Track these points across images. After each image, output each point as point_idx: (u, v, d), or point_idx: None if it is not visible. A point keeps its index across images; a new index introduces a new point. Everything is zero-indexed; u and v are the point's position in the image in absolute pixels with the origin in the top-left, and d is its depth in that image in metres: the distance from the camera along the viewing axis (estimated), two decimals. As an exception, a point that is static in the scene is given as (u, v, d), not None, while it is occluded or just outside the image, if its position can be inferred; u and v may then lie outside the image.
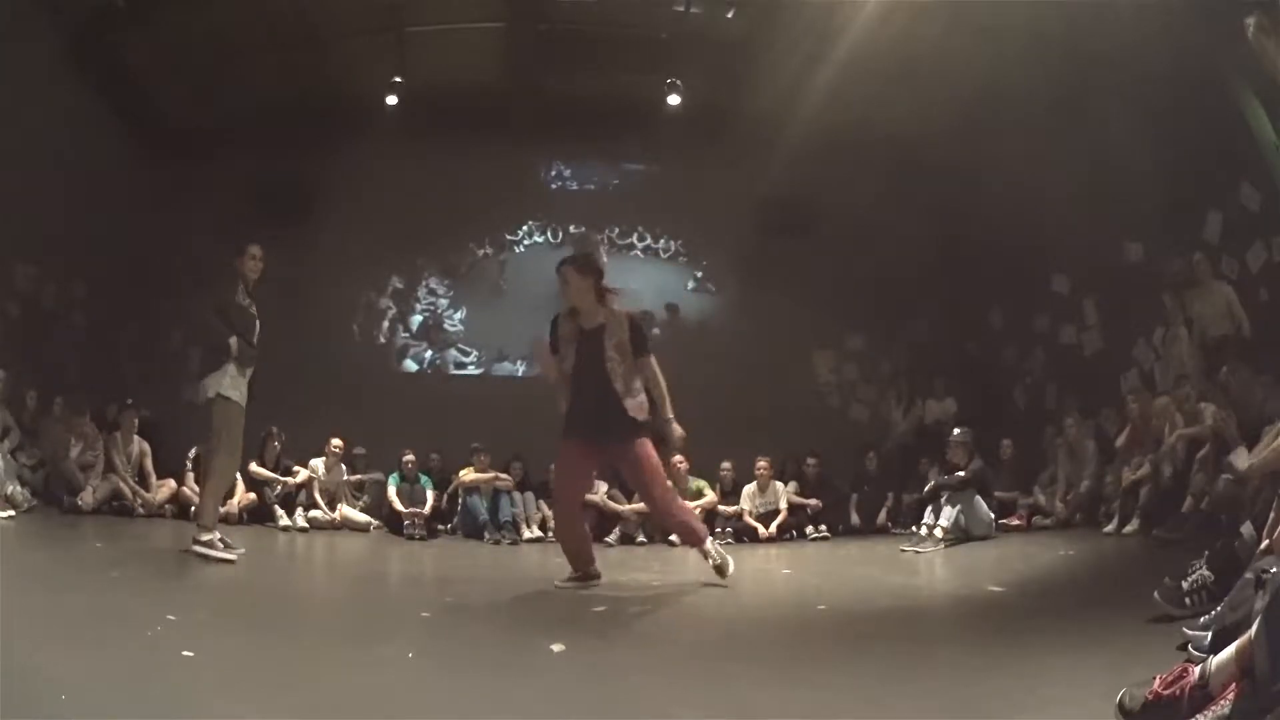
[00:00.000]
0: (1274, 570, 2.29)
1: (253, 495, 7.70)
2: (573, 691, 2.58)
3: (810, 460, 8.60)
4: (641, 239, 11.05)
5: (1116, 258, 8.14)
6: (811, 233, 10.31)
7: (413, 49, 9.51)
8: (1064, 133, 8.09)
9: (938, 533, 6.94)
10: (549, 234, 10.87)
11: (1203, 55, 6.45)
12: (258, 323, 5.38)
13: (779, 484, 8.31)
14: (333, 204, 9.98)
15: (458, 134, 9.60)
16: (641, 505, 7.86)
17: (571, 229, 10.75)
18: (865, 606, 4.40)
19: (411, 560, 6.70)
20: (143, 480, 7.82)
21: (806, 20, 7.99)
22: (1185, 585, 3.14)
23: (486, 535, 7.74)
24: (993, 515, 7.27)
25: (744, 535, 7.94)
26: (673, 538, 7.80)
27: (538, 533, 7.94)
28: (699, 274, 11.10)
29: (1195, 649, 2.50)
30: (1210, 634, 2.46)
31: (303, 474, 8.06)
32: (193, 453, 7.36)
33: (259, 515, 7.66)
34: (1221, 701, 1.94)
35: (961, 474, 7.22)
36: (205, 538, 5.01)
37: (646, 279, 10.46)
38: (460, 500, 8.03)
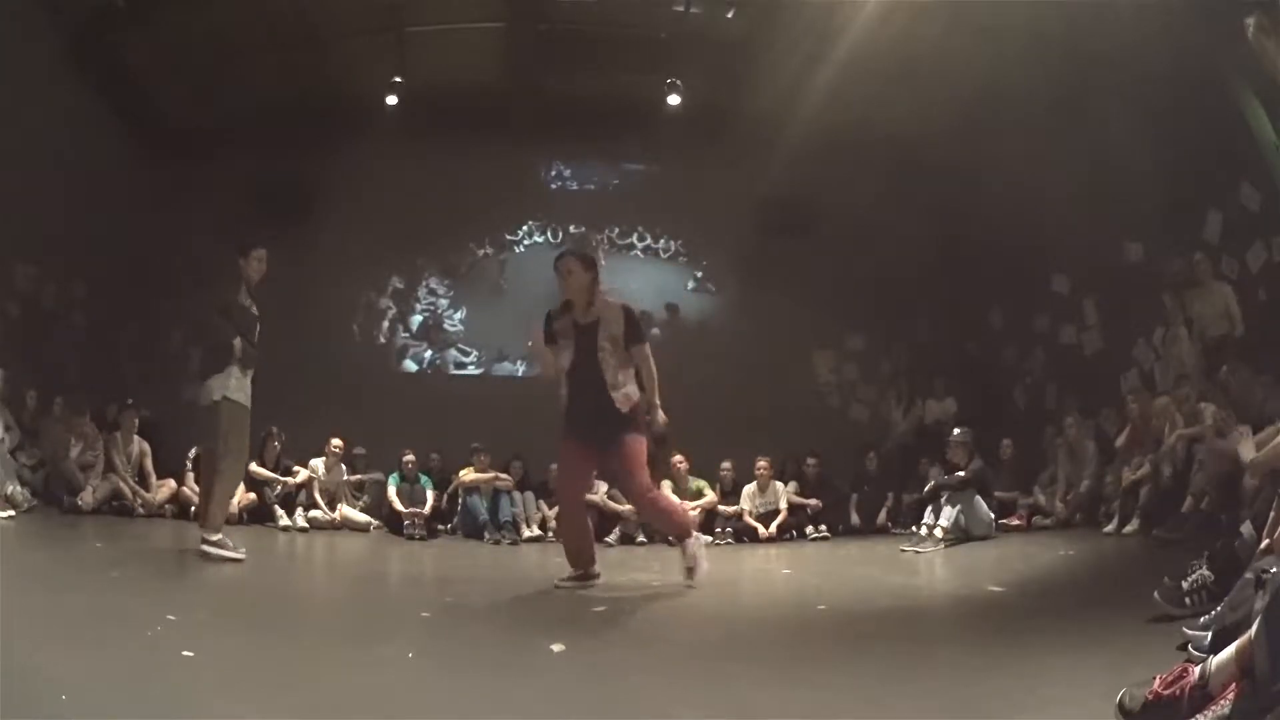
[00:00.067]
0: (1274, 570, 2.29)
1: (253, 495, 7.70)
2: (573, 691, 2.58)
3: (810, 460, 8.60)
4: (641, 239, 11.06)
5: (1116, 258, 8.14)
6: (811, 233, 10.32)
7: (413, 49, 9.51)
8: (1064, 133, 8.09)
9: (938, 533, 6.94)
10: (549, 234, 10.87)
11: (1203, 55, 6.45)
12: (258, 324, 5.38)
13: (779, 484, 8.32)
14: (333, 204, 9.98)
15: (458, 134, 9.60)
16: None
17: (571, 229, 10.73)
18: (865, 606, 4.39)
19: (411, 560, 6.70)
20: (143, 480, 7.83)
21: (806, 20, 7.99)
22: (1185, 585, 3.13)
23: (486, 535, 7.74)
24: (993, 515, 7.27)
25: (744, 535, 7.95)
26: (672, 537, 7.84)
27: (537, 532, 7.95)
28: (699, 274, 11.10)
29: (1195, 649, 2.50)
30: (1210, 634, 2.45)
31: (303, 474, 8.06)
32: (193, 453, 7.36)
33: (259, 515, 7.67)
34: (1221, 701, 1.94)
35: (961, 474, 7.22)
36: (215, 538, 5.04)
37: (646, 279, 10.46)
38: (460, 500, 8.03)
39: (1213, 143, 6.73)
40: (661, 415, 4.63)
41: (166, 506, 7.79)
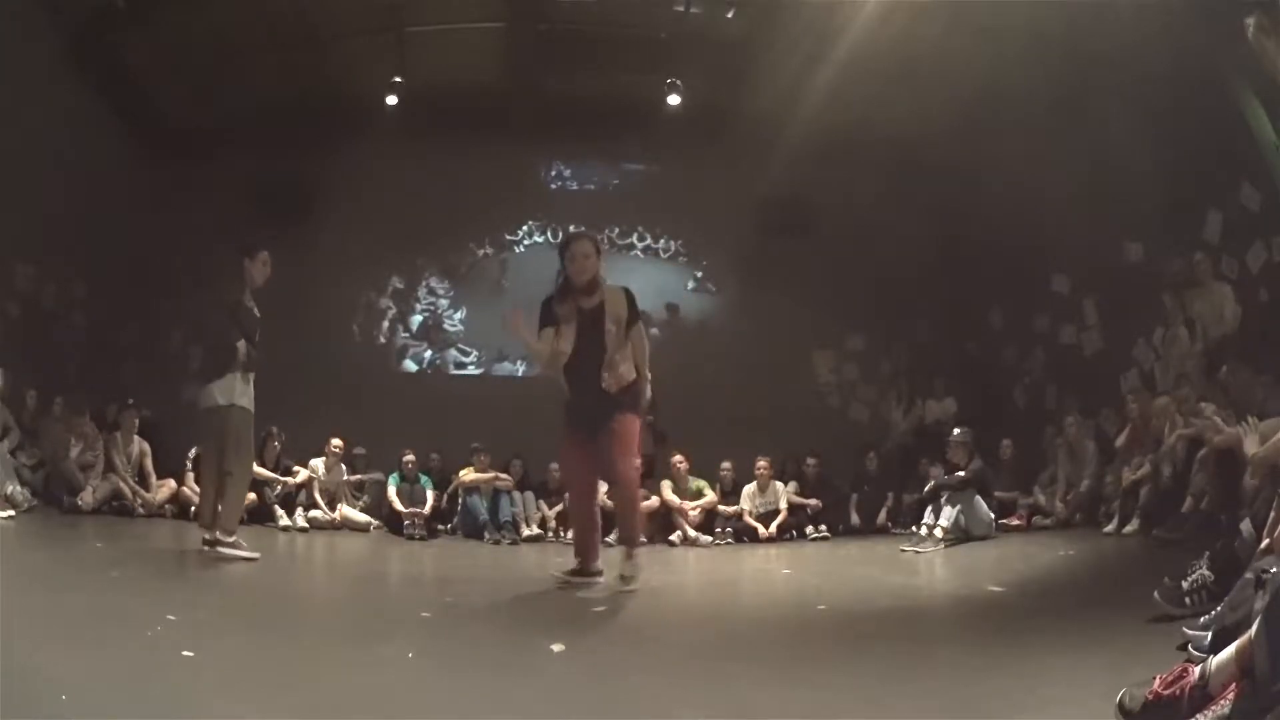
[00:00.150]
0: (1274, 570, 2.29)
1: (253, 495, 7.65)
2: (573, 691, 2.58)
3: (810, 460, 8.60)
4: (641, 239, 11.06)
5: (1116, 258, 8.14)
6: (811, 233, 10.32)
7: (413, 49, 9.51)
8: (1064, 133, 8.09)
9: (938, 533, 6.94)
10: (549, 234, 10.86)
11: (1203, 55, 6.44)
12: (260, 326, 5.39)
13: (779, 484, 8.32)
14: (333, 204, 9.99)
15: (458, 134, 9.61)
16: (642, 505, 7.89)
17: (571, 229, 10.73)
18: (865, 606, 4.39)
19: (411, 560, 6.70)
20: (143, 480, 7.83)
21: (806, 20, 7.99)
22: (1185, 585, 3.13)
23: (486, 535, 7.74)
24: (993, 515, 7.27)
25: (744, 535, 7.95)
26: (673, 537, 7.85)
27: (537, 531, 7.95)
28: (699, 274, 11.10)
29: (1195, 649, 2.50)
30: (1210, 634, 2.45)
31: (303, 474, 8.06)
32: (193, 453, 7.35)
33: (259, 515, 7.64)
34: (1221, 701, 1.94)
35: (961, 474, 7.22)
36: (231, 539, 5.12)
37: (646, 279, 10.43)
38: (460, 500, 8.03)
39: (1213, 143, 6.73)
40: (648, 390, 4.66)
41: (166, 506, 7.78)
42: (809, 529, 8.08)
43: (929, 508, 7.42)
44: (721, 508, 8.12)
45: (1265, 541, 2.74)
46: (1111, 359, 8.35)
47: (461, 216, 10.54)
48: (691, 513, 8.01)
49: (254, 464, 7.49)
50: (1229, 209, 6.95)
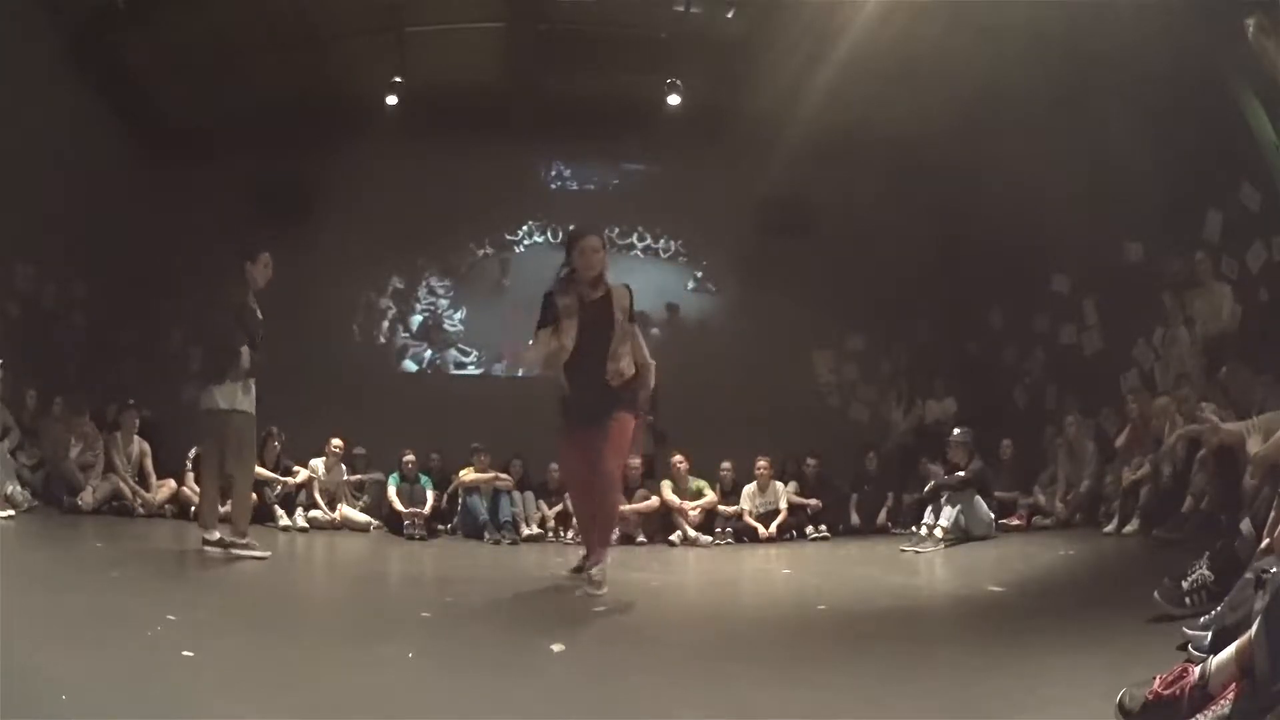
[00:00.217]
0: (1274, 570, 2.29)
1: (253, 495, 7.68)
2: (573, 691, 2.58)
3: (810, 460, 8.60)
4: (641, 239, 11.05)
5: (1116, 258, 8.14)
6: (811, 233, 10.32)
7: (413, 49, 9.50)
8: (1064, 133, 8.09)
9: (938, 533, 6.94)
10: (549, 234, 10.86)
11: (1203, 55, 6.44)
12: (262, 328, 5.40)
13: (779, 484, 8.31)
14: (333, 204, 9.98)
15: (458, 134, 9.60)
16: (642, 505, 7.91)
17: (571, 229, 10.73)
18: (865, 606, 4.40)
19: (411, 560, 6.70)
20: (143, 480, 7.83)
21: (806, 20, 7.99)
22: (1185, 585, 3.13)
23: (486, 535, 7.74)
24: (993, 515, 7.27)
25: (744, 535, 7.94)
26: (673, 537, 7.85)
27: (537, 531, 7.95)
28: (699, 274, 11.10)
29: (1195, 649, 2.50)
30: (1210, 634, 2.45)
31: (303, 474, 8.05)
32: (193, 453, 7.36)
33: (259, 515, 7.59)
34: (1221, 701, 1.94)
35: (961, 474, 7.22)
36: (244, 540, 5.19)
37: (646, 279, 10.41)
38: (460, 500, 8.03)
39: (1213, 143, 6.72)
40: (653, 378, 4.66)
41: (166, 506, 7.78)
42: (809, 529, 8.08)
43: (929, 508, 7.41)
44: (721, 508, 8.12)
45: (1265, 541, 2.74)
46: (1111, 359, 8.35)
47: (461, 216, 10.54)
48: (691, 513, 8.01)
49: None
50: (1229, 209, 6.95)
